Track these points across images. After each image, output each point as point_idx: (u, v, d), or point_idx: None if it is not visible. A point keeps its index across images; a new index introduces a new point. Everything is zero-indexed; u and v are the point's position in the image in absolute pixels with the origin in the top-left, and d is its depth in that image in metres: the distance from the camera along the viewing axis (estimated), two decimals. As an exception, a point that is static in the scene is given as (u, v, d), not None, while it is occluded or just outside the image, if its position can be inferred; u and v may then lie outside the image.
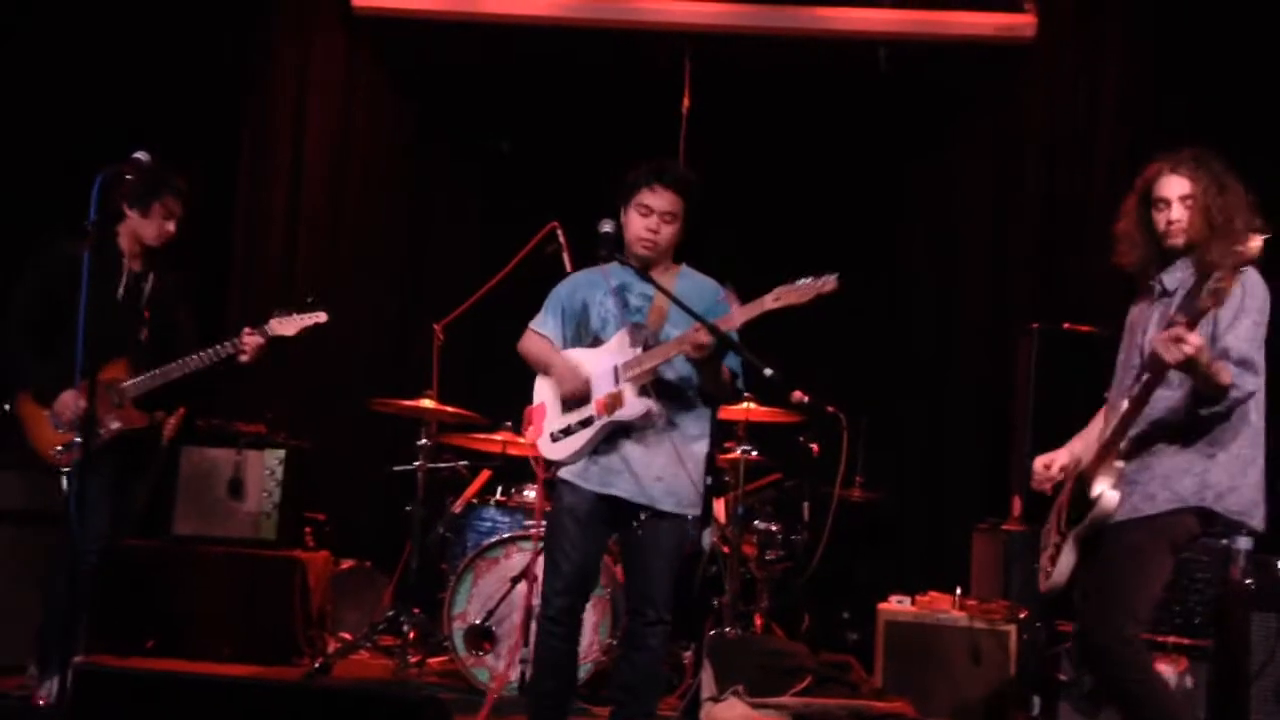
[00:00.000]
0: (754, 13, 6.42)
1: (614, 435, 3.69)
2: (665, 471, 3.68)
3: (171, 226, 4.32)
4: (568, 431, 3.74)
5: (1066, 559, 3.45)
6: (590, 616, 4.62)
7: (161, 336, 4.36)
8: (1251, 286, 3.32)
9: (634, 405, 3.66)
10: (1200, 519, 3.33)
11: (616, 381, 3.68)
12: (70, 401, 4.12)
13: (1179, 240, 3.41)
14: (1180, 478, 3.31)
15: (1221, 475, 3.31)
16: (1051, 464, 3.61)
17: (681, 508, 3.73)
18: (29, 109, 5.83)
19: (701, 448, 3.78)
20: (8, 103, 5.77)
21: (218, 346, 4.26)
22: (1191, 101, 5.73)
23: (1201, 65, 5.82)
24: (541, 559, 4.03)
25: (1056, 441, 4.94)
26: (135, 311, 4.33)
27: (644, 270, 3.74)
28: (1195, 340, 3.13)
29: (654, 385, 3.68)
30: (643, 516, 3.69)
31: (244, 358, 4.27)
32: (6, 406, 4.26)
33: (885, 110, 6.55)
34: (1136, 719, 3.32)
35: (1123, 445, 3.35)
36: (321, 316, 4.36)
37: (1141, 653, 3.30)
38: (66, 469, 4.15)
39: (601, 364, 3.73)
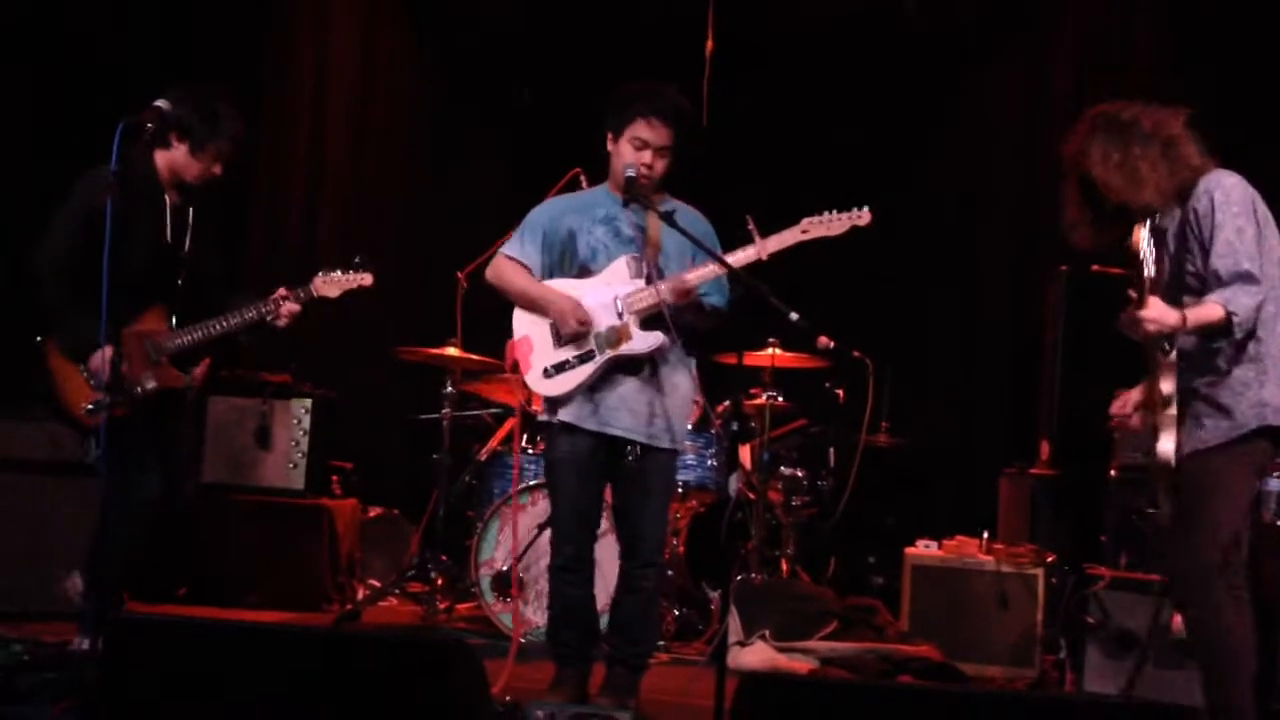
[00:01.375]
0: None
1: (609, 370, 3.64)
2: (659, 407, 3.66)
3: (219, 169, 4.08)
4: (563, 367, 3.65)
5: (1164, 505, 3.43)
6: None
7: (196, 281, 4.15)
8: (1226, 192, 3.23)
9: (643, 339, 3.62)
10: (1271, 439, 3.27)
11: (619, 315, 3.63)
12: (104, 360, 3.91)
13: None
14: (1237, 403, 3.25)
15: (1273, 390, 3.24)
16: (1126, 403, 3.52)
17: (675, 443, 3.74)
18: (54, 43, 5.77)
19: (687, 381, 3.76)
20: (34, 39, 5.72)
21: (255, 307, 4.06)
22: (1224, 31, 5.61)
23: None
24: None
25: (1085, 385, 4.90)
26: (177, 252, 4.11)
27: (630, 200, 3.65)
28: (1149, 315, 3.15)
29: (652, 318, 3.64)
30: (634, 452, 3.65)
31: (280, 323, 4.08)
32: (39, 338, 4.07)
33: (911, 51, 6.45)
34: (1200, 653, 3.32)
35: (1167, 393, 3.30)
36: (368, 279, 4.16)
37: (1215, 585, 3.24)
38: (95, 428, 4.00)
39: (598, 295, 3.65)
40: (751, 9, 6.41)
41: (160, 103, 3.57)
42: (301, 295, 4.12)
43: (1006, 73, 6.51)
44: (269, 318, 4.07)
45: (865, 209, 3.53)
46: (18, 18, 5.57)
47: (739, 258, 3.54)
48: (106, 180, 3.50)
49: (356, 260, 4.20)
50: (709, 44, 6.34)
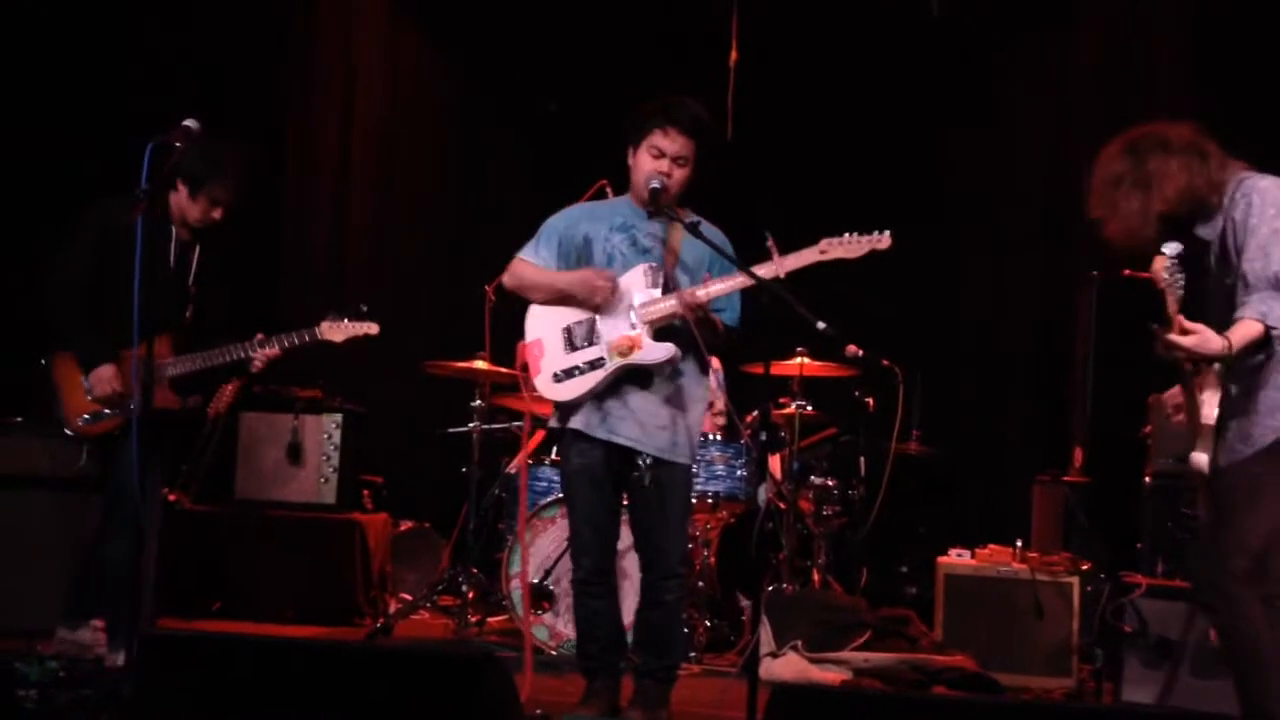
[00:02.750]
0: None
1: (619, 380, 3.62)
2: (669, 420, 3.64)
3: (217, 214, 4.21)
4: (573, 373, 3.64)
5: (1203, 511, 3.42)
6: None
7: (203, 316, 4.31)
8: (1262, 195, 3.20)
9: (654, 350, 3.60)
10: None
11: (632, 324, 3.62)
12: (108, 376, 4.09)
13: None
14: (1275, 410, 3.19)
15: None
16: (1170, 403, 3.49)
17: (685, 457, 3.70)
18: (76, 64, 5.85)
19: (702, 395, 3.74)
20: (55, 60, 5.79)
21: (240, 347, 4.20)
22: (1253, 33, 5.56)
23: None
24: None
25: (1118, 391, 4.85)
26: (183, 286, 4.27)
27: (654, 213, 3.66)
28: (1189, 343, 3.12)
29: (667, 330, 3.62)
30: (646, 465, 3.63)
31: (255, 366, 4.23)
32: (43, 361, 4.22)
33: (936, 56, 6.43)
34: (1230, 658, 3.28)
35: (1210, 402, 3.27)
36: (373, 328, 4.29)
37: (1242, 592, 3.20)
38: (88, 440, 4.18)
39: (613, 303, 3.64)
40: (776, 19, 6.41)
41: (189, 122, 3.59)
42: (307, 338, 4.25)
43: (1032, 79, 6.48)
44: (246, 360, 4.21)
45: (886, 233, 3.49)
46: (31, 36, 5.64)
47: (756, 274, 3.50)
48: (136, 198, 3.55)
49: (364, 309, 4.32)
50: (733, 54, 6.34)
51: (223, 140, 4.09)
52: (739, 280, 3.57)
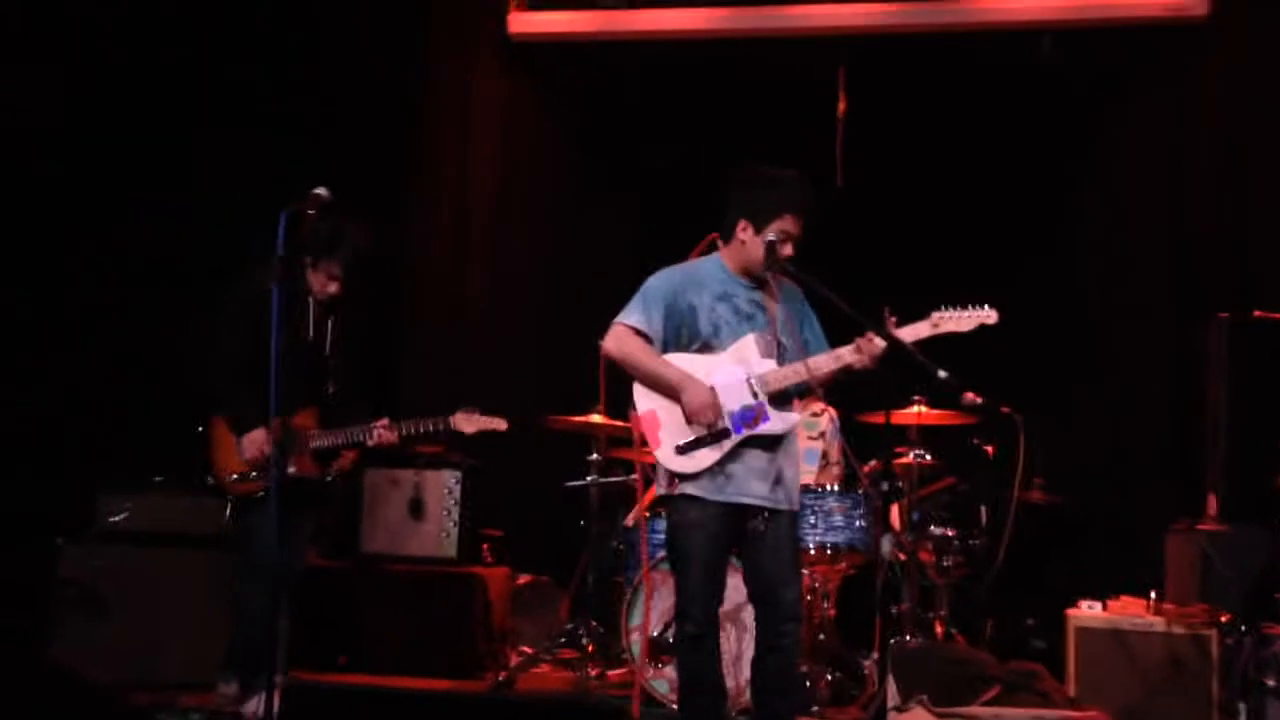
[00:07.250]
0: (908, 10, 6.32)
1: (738, 445, 3.70)
2: (783, 473, 3.74)
3: (334, 289, 4.41)
4: (697, 444, 3.69)
5: None
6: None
7: (344, 390, 4.53)
8: None
9: (781, 420, 3.70)
10: None
11: (754, 395, 3.67)
12: (259, 439, 4.29)
13: None
14: None
15: None
16: None
17: (795, 505, 3.81)
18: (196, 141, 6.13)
19: (798, 446, 3.90)
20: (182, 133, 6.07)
21: (363, 428, 4.44)
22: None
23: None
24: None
25: (1253, 435, 4.70)
26: (321, 357, 4.47)
27: (749, 276, 3.79)
28: None
29: (781, 396, 3.71)
30: (764, 518, 3.70)
31: (369, 443, 4.49)
32: (200, 429, 4.45)
33: (1048, 99, 6.35)
34: None
35: None
36: (502, 425, 4.57)
37: None
38: (234, 497, 4.37)
39: (728, 374, 3.70)
40: (883, 67, 6.41)
41: (320, 190, 3.72)
42: (441, 425, 4.50)
43: (1147, 116, 6.35)
44: (366, 439, 4.45)
45: (993, 310, 3.64)
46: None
47: (876, 345, 3.60)
48: (271, 265, 3.68)
49: (496, 407, 4.62)
50: (841, 105, 6.35)
51: (344, 216, 4.23)
52: (833, 358, 3.70)
